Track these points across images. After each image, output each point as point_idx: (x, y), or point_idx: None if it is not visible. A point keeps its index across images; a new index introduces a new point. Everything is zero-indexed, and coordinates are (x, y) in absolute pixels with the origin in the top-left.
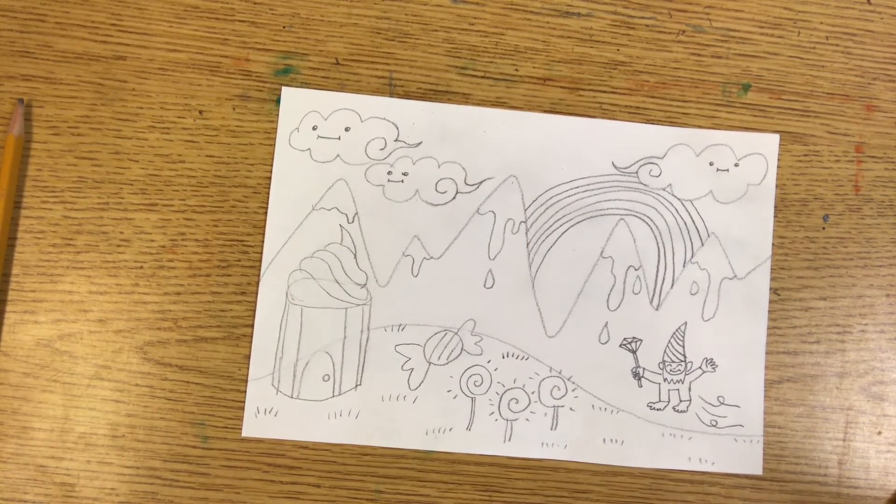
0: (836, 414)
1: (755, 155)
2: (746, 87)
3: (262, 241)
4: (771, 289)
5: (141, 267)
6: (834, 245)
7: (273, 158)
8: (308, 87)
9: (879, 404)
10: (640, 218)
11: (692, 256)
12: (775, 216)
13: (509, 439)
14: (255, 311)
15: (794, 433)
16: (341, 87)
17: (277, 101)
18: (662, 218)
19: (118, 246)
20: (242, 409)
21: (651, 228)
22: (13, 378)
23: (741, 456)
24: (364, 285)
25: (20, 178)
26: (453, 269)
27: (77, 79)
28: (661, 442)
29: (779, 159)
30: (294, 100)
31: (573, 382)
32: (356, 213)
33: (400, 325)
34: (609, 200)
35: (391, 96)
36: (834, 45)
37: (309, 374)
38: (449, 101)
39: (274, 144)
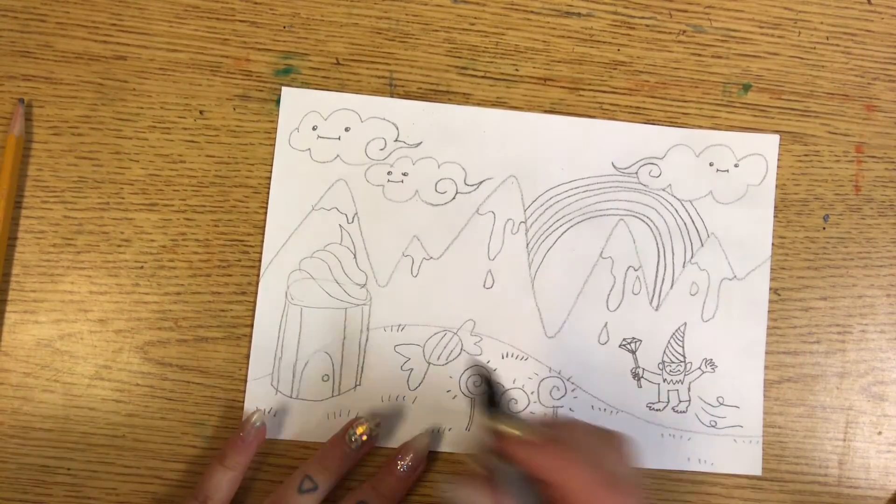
0: (836, 414)
1: (755, 155)
2: (746, 87)
3: (262, 241)
4: (771, 289)
5: (141, 267)
6: (834, 245)
7: (273, 158)
8: (308, 87)
9: (880, 404)
10: (639, 218)
11: (692, 257)
12: (775, 216)
13: None
14: (254, 311)
15: (794, 433)
16: (341, 87)
17: (277, 101)
18: (662, 218)
19: (119, 246)
20: (242, 409)
21: (651, 229)
22: (14, 378)
23: (741, 456)
24: (364, 285)
25: (20, 178)
26: (453, 269)
27: (77, 79)
28: (660, 442)
29: (779, 159)
30: (294, 100)
31: (573, 383)
32: (356, 213)
33: (399, 326)
34: (609, 201)
35: (391, 96)
36: (834, 45)
37: (308, 374)
38: (449, 101)
39: (274, 144)
